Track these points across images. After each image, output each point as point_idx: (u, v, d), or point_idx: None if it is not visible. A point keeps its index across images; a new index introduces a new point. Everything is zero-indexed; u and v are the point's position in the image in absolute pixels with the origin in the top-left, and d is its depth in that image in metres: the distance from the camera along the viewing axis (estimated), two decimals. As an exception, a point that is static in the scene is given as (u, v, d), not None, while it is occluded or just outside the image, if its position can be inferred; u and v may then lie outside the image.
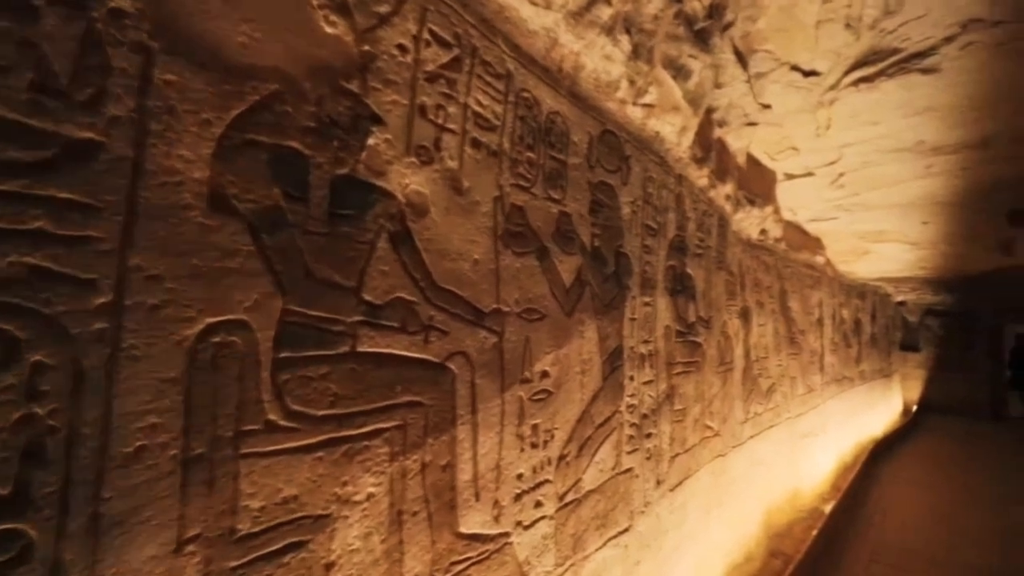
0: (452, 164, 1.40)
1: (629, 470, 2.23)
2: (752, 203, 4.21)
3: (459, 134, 1.42)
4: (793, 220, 5.95)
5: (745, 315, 4.32)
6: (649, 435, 2.43)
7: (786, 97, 3.53)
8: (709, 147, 3.08)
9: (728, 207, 3.72)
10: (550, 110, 1.81)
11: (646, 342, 2.46)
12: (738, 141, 3.73)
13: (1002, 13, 2.80)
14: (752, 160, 4.34)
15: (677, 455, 2.72)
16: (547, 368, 1.71)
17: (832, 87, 3.51)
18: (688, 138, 2.69)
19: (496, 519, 1.44)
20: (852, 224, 6.09)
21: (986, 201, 5.13)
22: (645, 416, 2.41)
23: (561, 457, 1.77)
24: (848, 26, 3.02)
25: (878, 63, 3.29)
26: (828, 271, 7.06)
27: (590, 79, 1.96)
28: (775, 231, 5.33)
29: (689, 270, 3.03)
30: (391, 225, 1.22)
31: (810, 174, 4.96)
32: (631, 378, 2.30)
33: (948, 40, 3.06)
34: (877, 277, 8.19)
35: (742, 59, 3.07)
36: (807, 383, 5.83)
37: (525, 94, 1.68)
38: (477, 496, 1.37)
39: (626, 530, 2.17)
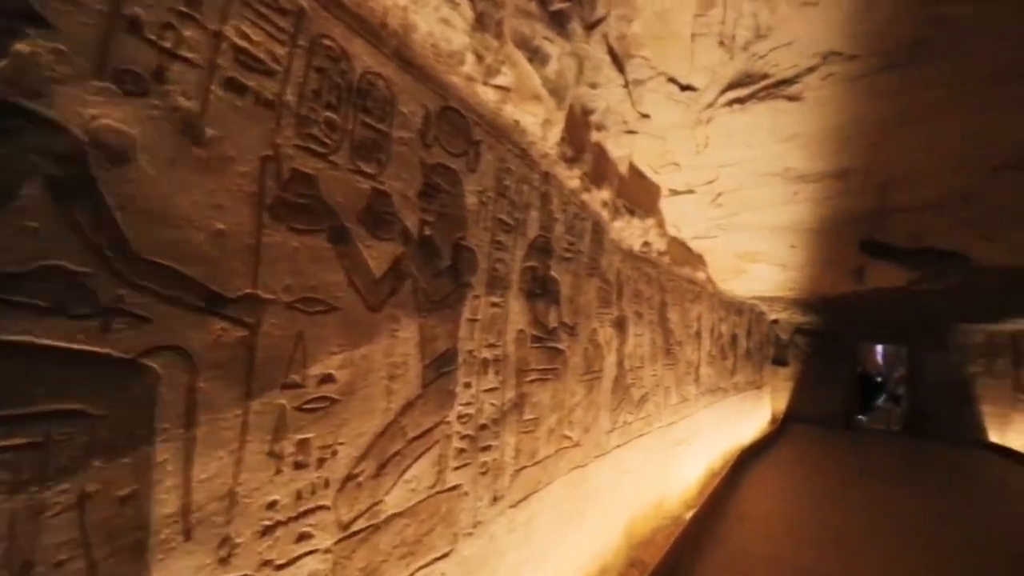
0: (188, 104, 1.08)
1: (455, 487, 2.00)
2: (632, 213, 4.23)
3: (204, 68, 1.11)
4: (678, 236, 6.16)
5: (621, 324, 4.32)
6: (487, 447, 2.23)
7: (665, 109, 3.54)
8: (583, 148, 2.98)
9: (605, 214, 3.68)
10: (367, 69, 1.54)
11: (492, 346, 2.26)
12: (619, 149, 3.70)
13: (857, 47, 2.95)
14: (636, 171, 4.37)
15: (523, 468, 2.55)
16: (333, 371, 1.43)
17: (709, 105, 3.57)
18: (554, 134, 2.55)
19: (225, 560, 1.13)
20: (730, 244, 6.45)
21: (844, 230, 5.61)
22: (484, 427, 2.21)
23: (349, 478, 1.49)
24: (722, 44, 3.05)
25: (750, 86, 3.38)
26: (709, 287, 7.45)
27: (426, 45, 1.72)
28: (659, 244, 5.45)
29: (554, 273, 2.89)
30: (55, 169, 0.89)
31: (691, 191, 5.12)
32: (467, 385, 2.08)
33: (811, 70, 3.19)
34: (753, 296, 8.81)
35: (618, 62, 3.01)
36: (682, 393, 6.04)
37: (327, 42, 1.40)
38: (188, 534, 1.06)
39: (446, 555, 1.94)
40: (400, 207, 1.70)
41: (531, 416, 2.64)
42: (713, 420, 7.46)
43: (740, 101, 3.55)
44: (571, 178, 2.94)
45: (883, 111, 3.52)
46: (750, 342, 10.17)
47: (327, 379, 1.41)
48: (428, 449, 1.85)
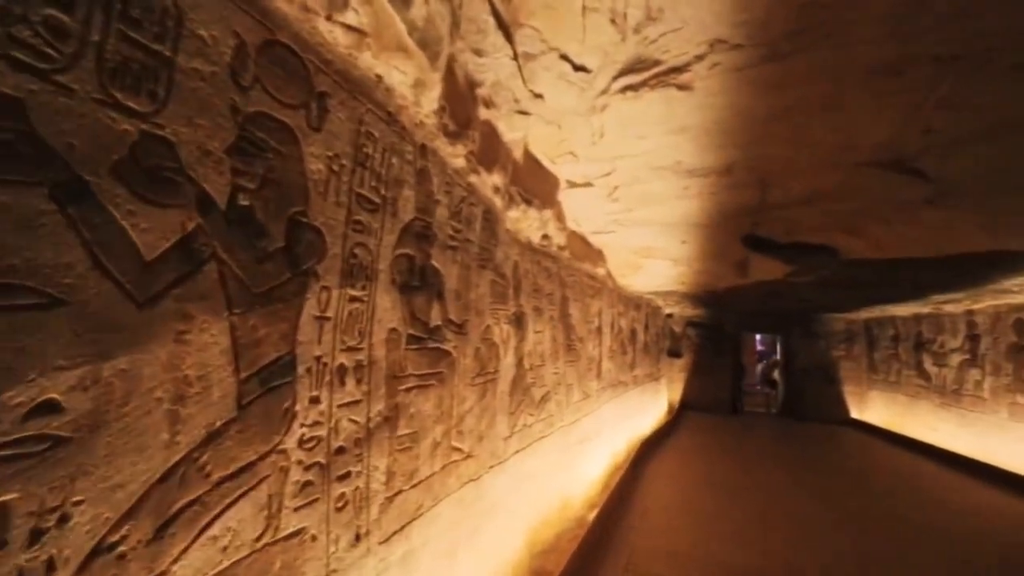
0: None
1: (297, 533, 1.56)
2: (529, 203, 3.99)
3: None
4: (578, 231, 6.08)
5: (519, 321, 4.06)
6: (346, 476, 1.80)
7: (559, 91, 3.31)
8: (468, 123, 2.65)
9: (499, 201, 3.39)
10: (129, -39, 1.07)
11: (352, 349, 1.85)
12: (512, 131, 3.43)
13: (741, 36, 2.89)
14: (532, 159, 4.13)
15: (399, 493, 2.15)
16: (58, 396, 0.95)
17: (604, 91, 3.40)
18: (430, 99, 2.18)
19: None
20: (627, 239, 6.50)
21: (729, 224, 5.85)
22: (341, 451, 1.78)
23: (100, 550, 1.01)
24: (613, 22, 2.86)
25: (643, 72, 3.24)
26: (608, 283, 7.51)
27: (234, -51, 1.28)
28: (559, 238, 5.30)
29: (436, 263, 2.53)
30: None
31: (589, 184, 5.01)
32: (314, 400, 1.65)
33: (699, 58, 3.11)
34: (649, 291, 9.10)
35: (505, 28, 2.71)
36: (584, 389, 5.96)
37: (40, -101, 0.92)
38: None
39: (282, 624, 1.49)
40: (194, 164, 1.24)
41: (408, 430, 2.25)
42: (615, 414, 7.53)
43: (633, 88, 3.42)
44: (455, 156, 2.59)
45: (764, 104, 3.57)
46: (648, 336, 10.54)
47: (44, 409, 0.93)
48: (250, 490, 1.39)
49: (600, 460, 6.39)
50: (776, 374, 15.39)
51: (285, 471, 1.52)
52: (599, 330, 6.92)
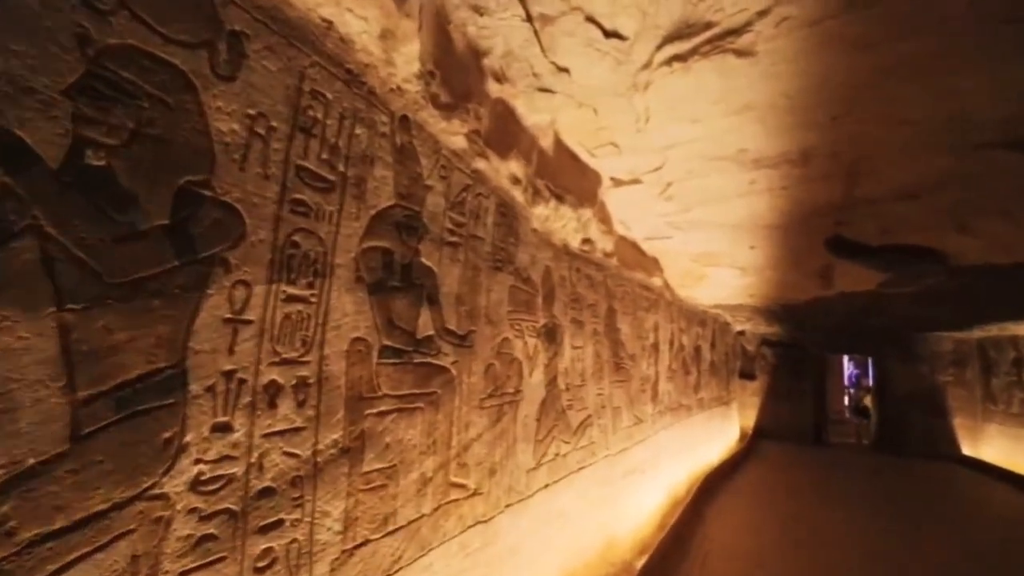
0: None
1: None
2: (561, 199, 3.51)
3: None
4: (628, 236, 5.49)
5: (551, 334, 3.55)
6: (274, 525, 1.40)
7: (588, 63, 2.83)
8: (467, 96, 2.24)
9: (519, 194, 2.94)
10: None
11: (289, 363, 1.45)
12: (534, 113, 2.99)
13: (811, -22, 2.32)
14: (565, 150, 3.66)
15: (365, 543, 1.72)
16: None
17: (645, 65, 2.90)
18: (407, 58, 1.79)
19: None
20: (686, 245, 5.81)
21: (807, 225, 5.03)
22: (268, 493, 1.38)
23: None
24: (650, -28, 2.38)
25: (692, 37, 2.71)
26: (667, 294, 6.80)
27: None
28: (604, 244, 4.76)
29: (427, 261, 2.11)
30: None
31: (637, 181, 4.45)
32: (219, 429, 1.26)
33: (761, 14, 2.53)
34: (715, 304, 8.23)
35: (513, -19, 2.30)
36: (636, 413, 5.30)
37: None
38: None
39: None
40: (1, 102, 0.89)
41: (381, 464, 1.82)
42: (675, 442, 6.74)
43: (681, 58, 2.88)
44: (451, 133, 2.18)
45: (848, 69, 2.89)
46: (715, 355, 9.58)
47: None
48: (94, 551, 1.01)
49: (655, 494, 5.65)
50: (868, 401, 13.61)
51: (164, 523, 1.13)
52: (655, 347, 6.22)
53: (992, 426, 10.39)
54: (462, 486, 2.32)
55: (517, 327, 2.97)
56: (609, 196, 4.65)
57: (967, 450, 10.81)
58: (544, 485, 3.23)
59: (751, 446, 10.97)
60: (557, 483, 3.42)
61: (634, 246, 5.73)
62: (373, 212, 1.82)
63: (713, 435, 9.07)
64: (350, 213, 1.71)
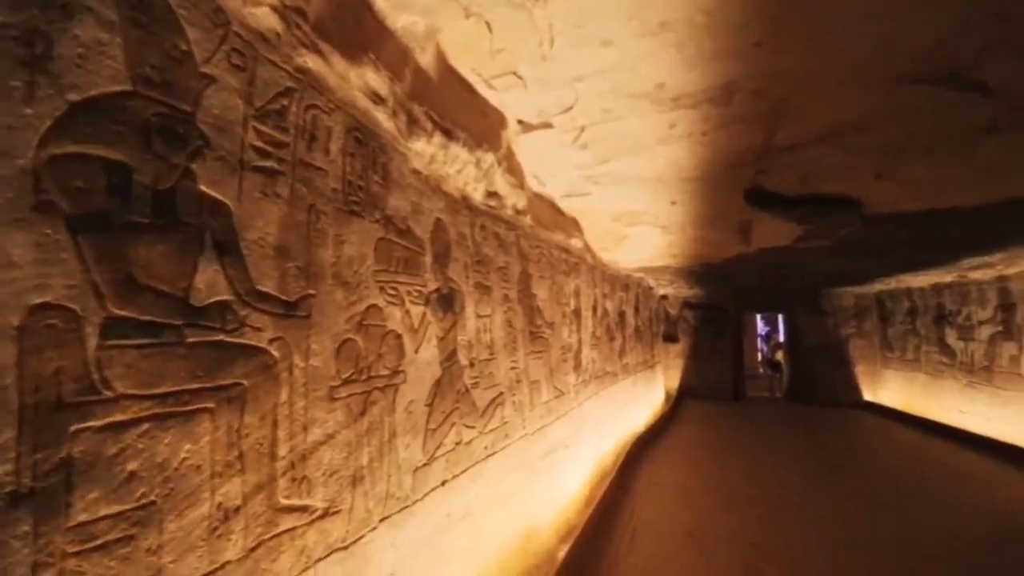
0: None
1: None
2: (450, 136, 2.85)
3: None
4: (543, 193, 4.95)
5: (447, 301, 2.94)
6: None
7: (466, -56, 2.18)
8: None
9: (385, 119, 2.25)
10: None
11: None
12: (402, 12, 2.28)
13: None
14: (458, 79, 2.99)
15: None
16: None
17: (541, -39, 2.27)
18: None
19: None
20: (606, 202, 5.36)
21: (728, 176, 4.70)
22: None
23: None
24: None
25: (594, -79, 2.11)
26: (588, 258, 6.39)
27: None
28: (515, 199, 4.17)
29: (212, 191, 1.40)
30: None
31: (548, 125, 3.87)
32: None
33: None
34: (638, 267, 7.98)
35: None
36: (557, 385, 4.86)
37: None
38: None
39: None
40: None
41: (120, 507, 1.14)
42: (601, 411, 6.45)
43: (584, -49, 2.28)
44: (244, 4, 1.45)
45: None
46: (639, 319, 9.45)
47: None
48: None
49: (580, 471, 5.30)
50: (780, 356, 14.34)
51: None
52: (577, 313, 5.81)
53: (889, 371, 11.17)
54: (302, 508, 1.68)
55: (392, 291, 2.32)
56: (519, 144, 4.05)
57: (868, 396, 11.61)
58: (440, 483, 2.66)
59: (676, 407, 11.13)
60: (458, 477, 2.86)
61: (551, 205, 5.20)
62: (76, 98, 1.08)
63: (639, 400, 8.99)
64: (13, 91, 0.97)
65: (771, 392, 13.98)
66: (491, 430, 3.39)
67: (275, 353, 1.59)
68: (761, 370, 17.94)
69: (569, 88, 3.41)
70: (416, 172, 2.65)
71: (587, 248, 6.26)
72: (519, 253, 4.33)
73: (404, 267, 2.46)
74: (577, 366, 5.64)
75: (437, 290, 2.85)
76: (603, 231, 6.13)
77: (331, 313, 1.87)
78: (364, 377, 2.05)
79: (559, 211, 5.38)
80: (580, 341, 5.87)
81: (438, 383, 2.77)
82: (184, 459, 1.30)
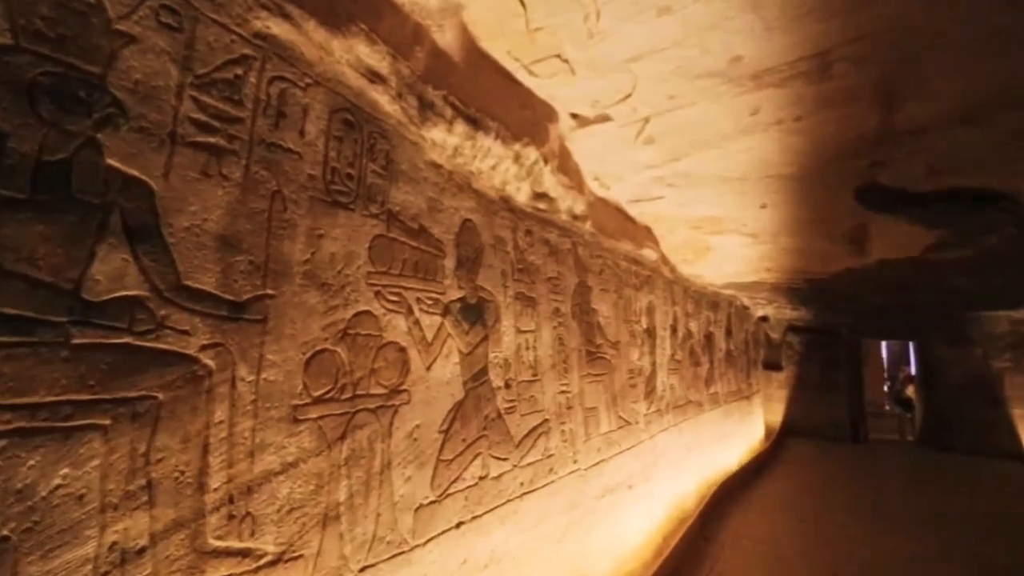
0: None
1: None
2: (477, 125, 2.53)
3: None
4: (608, 197, 4.48)
5: (474, 312, 2.60)
6: None
7: None
8: None
9: (387, 102, 1.98)
10: None
11: None
12: (409, -19, 2.03)
13: None
14: (492, 64, 2.69)
15: None
16: None
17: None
18: None
19: None
20: (682, 207, 4.75)
21: (832, 171, 3.90)
22: None
23: None
24: None
25: None
26: (665, 271, 5.74)
27: None
28: (571, 203, 3.77)
29: (127, 167, 1.19)
30: None
31: (605, 118, 3.46)
32: None
33: None
34: (726, 283, 7.10)
35: None
36: (621, 414, 4.29)
37: None
38: None
39: None
40: None
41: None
42: (680, 446, 5.69)
43: None
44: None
45: None
46: (732, 343, 8.43)
47: None
48: None
49: (650, 514, 4.62)
50: (911, 391, 12.18)
51: None
52: (650, 333, 5.18)
53: (1063, 418, 8.96)
54: (242, 552, 1.39)
55: (394, 297, 2.01)
56: (574, 141, 3.66)
57: (1032, 446, 9.39)
58: (455, 524, 2.27)
59: (778, 446, 9.77)
60: (481, 518, 2.46)
61: (618, 211, 4.71)
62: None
63: (731, 435, 7.94)
64: None
65: (900, 434, 11.88)
66: (530, 463, 2.95)
67: (209, 363, 1.33)
68: (887, 407, 15.46)
69: (624, 72, 2.97)
70: (434, 165, 2.35)
71: (663, 260, 5.63)
72: (576, 263, 3.89)
73: (414, 271, 2.16)
74: (649, 393, 5.00)
75: (461, 299, 2.51)
76: (682, 241, 5.47)
77: (299, 318, 1.59)
78: (347, 396, 1.75)
79: (628, 218, 4.86)
80: (654, 365, 5.22)
81: (459, 406, 2.41)
82: (58, 486, 1.05)
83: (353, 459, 1.76)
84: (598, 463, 3.76)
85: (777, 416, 11.06)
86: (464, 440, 2.42)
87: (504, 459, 2.72)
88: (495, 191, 2.95)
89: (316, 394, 1.63)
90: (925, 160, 3.60)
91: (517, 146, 2.86)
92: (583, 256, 4.03)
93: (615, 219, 4.63)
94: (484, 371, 2.66)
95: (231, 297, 1.40)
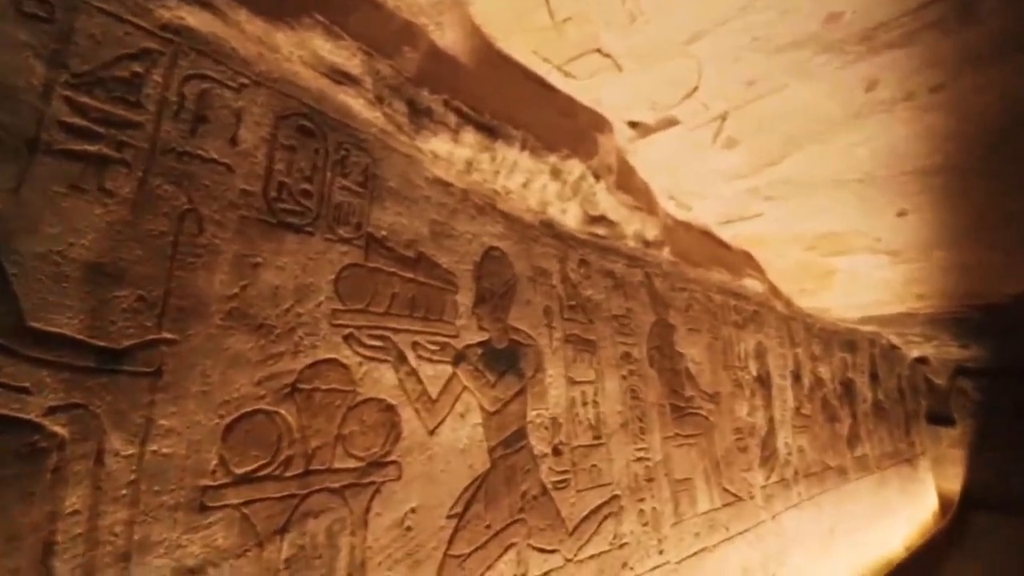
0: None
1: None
2: (494, 135, 2.12)
3: None
4: (691, 220, 3.81)
5: (502, 359, 2.10)
6: None
7: None
8: None
9: (362, 107, 1.65)
10: None
11: None
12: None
13: None
14: (514, 66, 2.32)
15: None
16: None
17: None
18: None
19: None
20: (788, 224, 3.88)
21: (996, 154, 2.89)
22: None
23: None
24: None
25: None
26: (778, 306, 4.75)
27: None
28: (638, 226, 3.20)
29: None
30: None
31: (671, 122, 2.92)
32: None
33: None
34: (862, 316, 5.76)
35: None
36: (727, 486, 3.38)
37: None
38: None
39: None
40: None
41: None
42: (819, 526, 4.46)
43: None
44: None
45: None
46: (880, 392, 6.83)
47: None
48: None
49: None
50: None
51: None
52: (762, 381, 4.22)
53: None
54: None
55: (375, 342, 1.59)
56: (636, 154, 3.13)
57: None
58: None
59: (958, 522, 7.57)
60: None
61: (705, 234, 3.98)
62: None
63: (892, 510, 6.25)
64: None
65: None
66: (592, 556, 2.26)
67: (58, 430, 0.99)
68: None
69: (684, 57, 2.45)
70: (440, 182, 1.97)
71: (773, 291, 4.68)
72: (652, 297, 3.24)
73: (409, 308, 1.74)
74: (768, 458, 3.98)
75: (484, 343, 2.03)
76: (794, 266, 4.51)
77: (216, 370, 1.22)
78: (293, 472, 1.32)
79: (719, 243, 4.10)
80: (772, 421, 4.21)
81: (482, 481, 1.88)
82: None
83: (301, 559, 1.31)
84: (697, 553, 2.90)
85: (954, 484, 8.69)
86: (489, 527, 1.86)
87: (553, 551, 2.09)
88: (532, 214, 2.49)
89: (241, 471, 1.22)
90: None
91: (553, 158, 2.39)
92: (661, 289, 3.37)
93: (702, 245, 3.91)
94: (520, 434, 2.11)
95: (104, 343, 1.06)
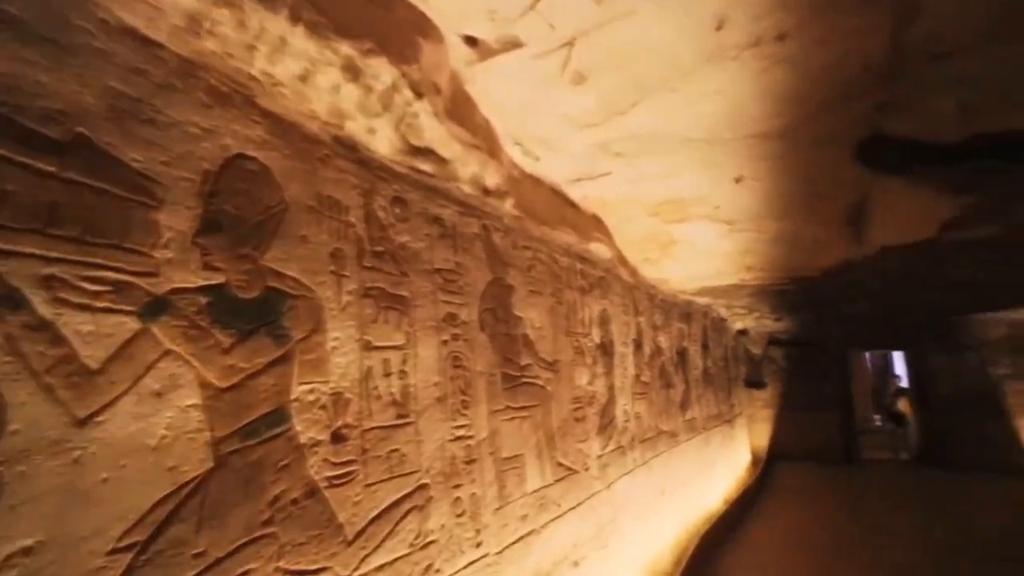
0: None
1: None
2: (320, 33, 1.45)
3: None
4: (541, 175, 3.43)
5: (250, 314, 1.46)
6: None
7: None
8: None
9: None
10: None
11: None
12: None
13: None
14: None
15: None
16: None
17: None
18: None
19: None
20: (635, 185, 3.71)
21: (827, 120, 2.91)
22: None
23: None
24: None
25: None
26: (623, 274, 4.69)
27: None
28: (476, 169, 2.69)
29: None
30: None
31: (514, 43, 2.43)
32: None
33: None
34: (699, 288, 6.08)
35: None
36: (562, 460, 3.15)
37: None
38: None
39: None
40: None
41: None
42: (650, 489, 4.55)
43: None
44: None
45: None
46: (709, 360, 7.41)
47: None
48: None
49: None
50: (902, 406, 11.32)
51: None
52: (605, 349, 4.10)
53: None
54: None
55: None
56: (475, 82, 2.62)
57: (1042, 461, 8.52)
58: None
59: (766, 474, 8.70)
60: None
61: (555, 193, 3.66)
62: None
63: (714, 467, 6.84)
64: None
65: (894, 452, 10.94)
66: (381, 566, 1.78)
67: None
68: (878, 422, 14.60)
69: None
70: (139, 37, 1.25)
71: (620, 259, 4.59)
72: (488, 253, 2.81)
73: (45, 222, 1.04)
74: (606, 426, 3.88)
75: (216, 288, 1.38)
76: (640, 233, 4.44)
77: None
78: None
79: (569, 203, 3.82)
80: (612, 389, 4.12)
81: (196, 487, 1.26)
82: None
83: None
84: (523, 538, 2.59)
85: (763, 439, 10.02)
86: (201, 555, 1.26)
87: (319, 570, 1.56)
88: (319, 124, 1.86)
89: None
90: (952, 96, 2.65)
91: (346, 48, 1.77)
92: (501, 245, 2.95)
93: (551, 203, 3.58)
94: (276, 418, 1.52)
95: None
